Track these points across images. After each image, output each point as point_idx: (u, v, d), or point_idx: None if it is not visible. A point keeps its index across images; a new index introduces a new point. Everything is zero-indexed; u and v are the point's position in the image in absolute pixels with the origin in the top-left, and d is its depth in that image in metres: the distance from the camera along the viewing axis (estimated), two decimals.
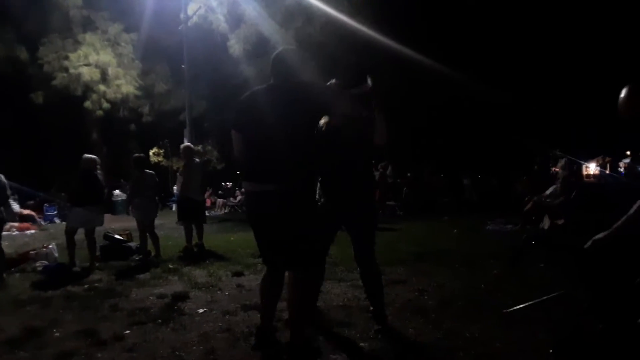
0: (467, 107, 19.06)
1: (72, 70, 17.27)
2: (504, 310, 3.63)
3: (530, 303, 3.63)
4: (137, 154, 7.59)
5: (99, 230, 6.74)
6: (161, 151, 23.54)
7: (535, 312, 3.53)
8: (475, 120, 19.73)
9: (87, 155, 6.69)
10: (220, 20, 16.77)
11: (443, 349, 3.04)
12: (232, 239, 9.08)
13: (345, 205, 3.34)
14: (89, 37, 17.63)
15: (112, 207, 18.45)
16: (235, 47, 16.74)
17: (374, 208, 3.60)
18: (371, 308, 3.55)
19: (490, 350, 2.98)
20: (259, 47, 16.42)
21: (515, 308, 3.62)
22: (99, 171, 6.68)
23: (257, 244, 3.10)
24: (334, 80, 3.39)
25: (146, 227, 6.95)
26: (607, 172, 15.80)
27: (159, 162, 22.98)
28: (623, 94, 2.70)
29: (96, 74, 17.56)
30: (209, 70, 17.95)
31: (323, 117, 3.32)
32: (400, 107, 16.20)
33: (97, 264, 6.38)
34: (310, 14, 15.72)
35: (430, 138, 19.49)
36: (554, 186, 9.00)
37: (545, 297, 3.65)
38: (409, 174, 16.16)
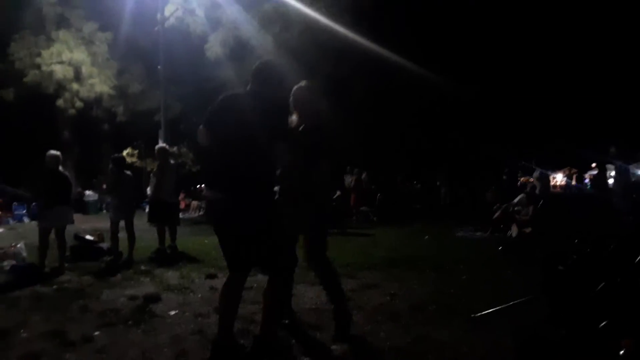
0: (442, 116, 19.38)
1: (44, 68, 16.89)
2: (472, 315, 3.73)
3: (497, 308, 3.73)
4: (116, 155, 7.52)
5: (69, 230, 6.63)
6: (135, 152, 23.21)
7: (502, 316, 3.62)
8: (448, 128, 20.07)
9: (51, 152, 6.39)
10: (197, 23, 16.68)
11: (412, 352, 3.10)
12: (205, 241, 9.00)
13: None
14: (62, 34, 17.27)
15: (84, 207, 18.11)
16: (213, 50, 16.67)
17: (322, 213, 3.53)
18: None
19: (458, 354, 3.06)
20: (236, 51, 16.39)
21: (482, 313, 3.71)
22: (61, 168, 6.45)
23: (222, 250, 3.08)
24: (303, 83, 3.51)
25: (126, 227, 6.88)
26: (573, 183, 16.30)
27: (133, 162, 22.63)
28: None
29: (69, 72, 17.22)
30: (185, 72, 17.78)
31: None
32: (375, 113, 16.38)
33: (66, 265, 6.27)
34: (288, 20, 15.78)
35: (404, 144, 19.72)
36: (522, 195, 9.27)
37: (511, 303, 3.76)
38: (382, 180, 16.32)
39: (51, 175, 6.26)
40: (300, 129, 3.40)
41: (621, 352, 2.51)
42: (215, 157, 3.00)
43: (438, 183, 17.53)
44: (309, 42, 15.46)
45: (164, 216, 7.37)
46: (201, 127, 3.04)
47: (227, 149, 2.92)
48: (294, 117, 3.47)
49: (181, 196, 17.53)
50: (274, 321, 3.15)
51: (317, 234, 3.43)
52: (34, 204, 14.66)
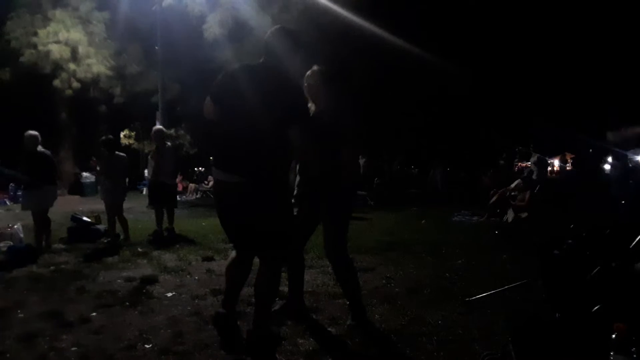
0: (441, 100, 19.29)
1: (40, 47, 16.71)
2: (467, 298, 3.76)
3: (492, 292, 3.76)
4: (105, 136, 7.47)
5: (67, 212, 6.63)
6: (132, 134, 23.14)
7: (497, 300, 3.65)
8: (447, 113, 20.00)
9: (28, 132, 6.24)
10: (195, 3, 16.46)
11: (407, 334, 3.12)
12: (203, 224, 9.04)
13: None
14: (59, 13, 17.05)
15: (81, 189, 18.11)
16: (211, 30, 16.48)
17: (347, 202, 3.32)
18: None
19: (452, 336, 3.08)
20: (235, 32, 16.20)
21: (477, 296, 3.74)
22: (40, 147, 6.28)
23: (225, 231, 3.02)
24: (315, 67, 3.32)
25: (114, 210, 6.87)
26: (568, 168, 16.40)
27: (130, 144, 22.57)
28: None
29: (66, 52, 17.04)
30: (183, 53, 17.60)
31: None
32: (373, 97, 16.28)
33: (57, 246, 6.26)
34: (287, 0, 15.60)
35: (402, 129, 19.68)
36: (518, 180, 9.30)
37: (506, 287, 3.78)
38: (380, 165, 16.31)
39: (29, 156, 6.16)
40: (317, 114, 3.21)
41: (613, 336, 2.53)
42: (226, 135, 2.76)
43: (432, 169, 17.55)
44: (308, 24, 15.28)
45: (163, 198, 7.37)
46: (207, 99, 2.84)
47: (237, 125, 2.68)
48: (310, 105, 3.23)
49: (179, 179, 17.53)
50: (269, 313, 2.99)
51: (340, 225, 3.25)
52: (11, 185, 14.60)
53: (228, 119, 2.75)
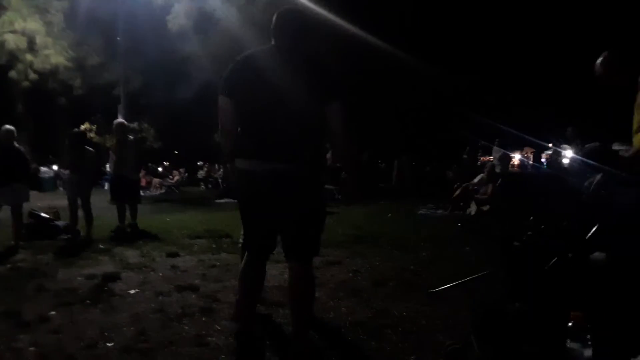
0: (407, 94, 19.52)
1: None
2: (430, 290, 3.83)
3: (455, 283, 3.84)
4: (77, 129, 7.31)
5: (24, 208, 6.41)
6: (93, 127, 22.50)
7: (459, 291, 3.73)
8: (413, 108, 20.27)
9: (5, 126, 6.14)
10: None
11: (373, 326, 3.16)
12: (167, 219, 8.90)
13: None
14: (15, 2, 16.43)
15: (39, 184, 17.51)
16: (176, 21, 16.20)
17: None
18: None
19: (416, 327, 3.14)
20: (200, 22, 15.98)
21: (441, 288, 3.82)
22: (16, 143, 6.23)
23: (250, 229, 2.69)
24: None
25: (82, 205, 6.70)
26: (530, 162, 16.87)
27: (91, 138, 21.95)
28: (599, 60, 2.88)
29: (22, 42, 16.46)
30: (146, 44, 17.22)
31: None
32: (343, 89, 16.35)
33: (21, 243, 6.07)
34: None
35: (370, 123, 19.84)
36: (481, 174, 9.52)
37: (469, 278, 3.87)
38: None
39: (4, 151, 6.00)
40: None
41: (570, 324, 2.62)
42: (259, 124, 2.51)
43: (396, 162, 17.78)
44: (274, 16, 15.19)
45: (125, 193, 7.21)
46: (221, 98, 2.54)
47: (271, 111, 2.44)
48: None
49: (142, 173, 17.17)
50: (310, 317, 2.77)
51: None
52: None
53: (253, 108, 2.50)
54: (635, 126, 2.92)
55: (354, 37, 15.84)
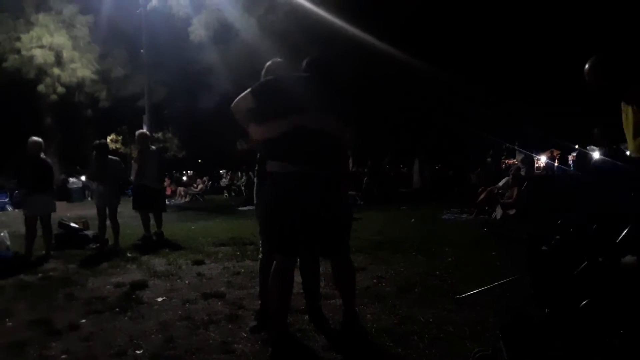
0: (428, 99, 19.41)
1: (24, 52, 16.56)
2: (457, 296, 3.78)
3: (481, 289, 3.78)
4: (99, 141, 7.45)
5: (54, 218, 6.57)
6: (119, 138, 22.97)
7: (486, 297, 3.67)
8: (434, 111, 20.13)
9: (32, 138, 6.32)
10: (180, 5, 16.41)
11: (398, 333, 3.13)
12: (192, 227, 9.00)
13: None
14: (42, 18, 16.90)
15: (68, 195, 17.93)
16: (196, 33, 16.44)
17: None
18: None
19: (443, 334, 3.09)
20: (220, 33, 16.19)
21: (467, 294, 3.76)
22: (42, 155, 6.39)
23: (286, 231, 2.81)
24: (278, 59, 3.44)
25: (109, 214, 6.83)
26: (556, 164, 16.53)
27: (117, 149, 22.40)
28: (588, 65, 2.85)
29: (50, 57, 16.89)
30: (169, 56, 17.54)
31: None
32: (361, 97, 16.35)
33: (51, 253, 6.22)
34: (272, 2, 15.60)
35: (391, 128, 19.77)
36: (506, 178, 9.39)
37: (496, 283, 3.81)
38: (369, 164, 16.37)
39: (33, 162, 6.19)
40: None
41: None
42: (290, 134, 2.77)
43: (415, 167, 17.66)
44: (293, 26, 15.30)
45: (148, 202, 7.32)
46: (247, 93, 2.83)
47: (300, 129, 2.75)
48: None
49: (167, 182, 17.43)
50: (355, 301, 3.15)
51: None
52: (16, 192, 14.45)
53: (290, 120, 2.76)
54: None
55: (369, 45, 15.86)
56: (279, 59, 3.46)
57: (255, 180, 3.47)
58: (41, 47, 16.75)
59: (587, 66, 2.88)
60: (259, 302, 3.41)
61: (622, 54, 2.88)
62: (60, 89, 17.60)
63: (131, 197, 7.73)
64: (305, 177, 2.75)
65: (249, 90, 2.86)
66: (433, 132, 20.84)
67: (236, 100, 2.89)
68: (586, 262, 3.01)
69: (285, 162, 2.78)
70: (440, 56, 18.25)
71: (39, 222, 6.26)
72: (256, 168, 3.38)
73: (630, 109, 2.86)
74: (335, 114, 2.84)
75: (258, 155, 3.28)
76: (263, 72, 3.37)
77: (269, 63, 3.41)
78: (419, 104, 19.08)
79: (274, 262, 2.88)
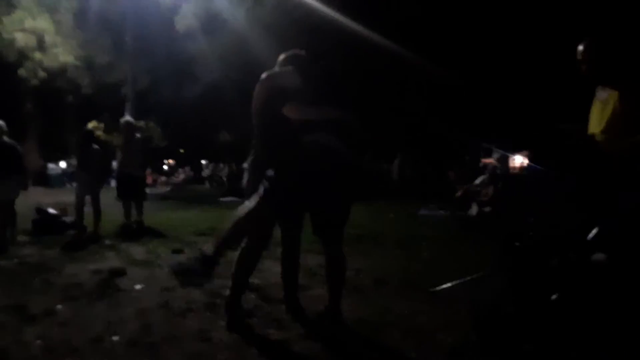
0: (411, 95, 19.52)
1: (5, 35, 16.20)
2: (432, 289, 3.86)
3: (455, 282, 3.87)
4: (86, 128, 7.41)
5: (30, 204, 6.49)
6: (101, 125, 22.66)
7: (460, 291, 3.75)
8: (414, 107, 20.22)
9: None
10: None
11: (374, 323, 3.21)
12: (172, 217, 8.97)
13: None
14: (24, 0, 16.54)
15: (46, 180, 17.68)
16: (184, 22, 16.28)
17: None
18: None
19: (417, 326, 3.16)
20: (208, 23, 16.06)
21: (441, 287, 3.85)
22: (5, 137, 6.15)
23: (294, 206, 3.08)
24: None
25: (92, 201, 6.77)
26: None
27: (99, 136, 22.11)
28: (581, 47, 2.81)
29: (32, 41, 16.55)
30: (155, 44, 17.32)
31: None
32: (347, 91, 16.38)
33: (26, 238, 6.14)
34: None
35: (370, 123, 19.77)
36: (483, 176, 9.55)
37: (469, 278, 3.89)
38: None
39: None
40: None
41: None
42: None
43: (397, 162, 17.80)
44: (282, 17, 15.25)
45: (131, 191, 7.29)
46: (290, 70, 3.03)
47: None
48: None
49: (148, 171, 17.28)
50: (341, 294, 3.26)
51: None
52: None
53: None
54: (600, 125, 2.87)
55: (356, 35, 15.86)
56: (300, 51, 3.36)
57: (247, 170, 3.55)
58: (23, 30, 16.42)
59: (581, 48, 2.82)
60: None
61: (619, 38, 2.86)
62: (41, 74, 17.27)
63: (110, 185, 7.68)
64: (341, 152, 3.00)
65: (291, 70, 2.99)
66: (413, 128, 20.97)
67: (274, 76, 3.00)
68: (557, 259, 3.10)
69: (324, 134, 2.98)
70: (430, 49, 18.31)
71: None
72: (252, 158, 3.51)
73: (616, 97, 2.75)
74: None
75: (254, 145, 3.41)
76: (281, 60, 3.28)
77: (289, 53, 3.31)
78: (401, 99, 19.18)
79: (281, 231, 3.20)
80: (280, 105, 2.93)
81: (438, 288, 3.85)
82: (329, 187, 2.97)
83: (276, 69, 3.20)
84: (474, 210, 8.80)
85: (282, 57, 3.29)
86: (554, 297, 2.88)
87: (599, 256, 2.94)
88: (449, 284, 3.86)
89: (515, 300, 3.10)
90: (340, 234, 3.18)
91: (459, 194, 9.58)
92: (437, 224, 8.23)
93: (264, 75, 3.01)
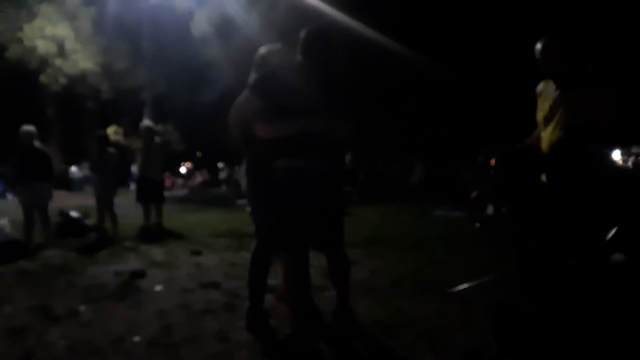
0: (423, 96, 19.46)
1: (26, 42, 16.54)
2: (447, 290, 3.86)
3: (472, 284, 3.86)
4: (100, 132, 7.55)
5: (53, 207, 6.63)
6: (120, 130, 22.98)
7: (477, 292, 3.76)
8: (429, 108, 20.14)
9: (24, 127, 6.30)
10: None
11: (390, 325, 3.20)
12: (191, 219, 9.08)
13: None
14: (44, 8, 16.84)
15: (68, 184, 17.98)
16: (198, 27, 16.46)
17: None
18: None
19: (432, 327, 3.16)
20: (222, 28, 16.21)
21: (458, 288, 3.84)
22: (36, 143, 6.37)
23: (303, 224, 2.82)
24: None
25: (105, 205, 6.90)
26: None
27: (118, 141, 22.42)
28: (539, 46, 2.87)
29: (52, 48, 16.86)
30: (171, 49, 17.54)
31: None
32: (359, 94, 16.40)
33: (51, 241, 6.28)
34: None
35: (386, 125, 19.74)
36: None
37: (486, 279, 3.89)
38: (364, 160, 16.43)
39: (25, 151, 6.19)
40: None
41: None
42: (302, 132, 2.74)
43: (416, 164, 17.73)
44: (295, 22, 15.31)
45: (150, 194, 7.40)
46: (252, 96, 2.79)
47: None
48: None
49: (166, 175, 17.49)
50: (349, 294, 3.24)
51: None
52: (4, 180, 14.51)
53: (294, 115, 2.71)
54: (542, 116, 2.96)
55: (366, 40, 15.88)
56: (275, 45, 3.27)
57: (244, 178, 3.31)
58: (43, 37, 16.74)
59: (539, 46, 2.87)
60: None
61: (573, 36, 2.90)
62: (62, 80, 17.56)
63: (131, 189, 7.81)
64: (316, 172, 2.75)
65: (249, 90, 2.82)
66: (428, 130, 20.88)
67: (237, 106, 2.90)
68: (576, 259, 3.09)
69: (297, 158, 2.75)
70: (444, 52, 18.22)
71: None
72: (246, 166, 3.24)
73: (564, 95, 2.85)
74: (337, 112, 2.78)
75: (248, 153, 3.18)
76: (258, 60, 3.19)
77: (263, 50, 3.20)
78: (417, 103, 19.13)
79: (289, 258, 2.87)
80: (250, 133, 2.85)
81: (454, 289, 3.85)
82: (317, 212, 2.81)
83: (252, 73, 3.14)
84: (490, 210, 8.72)
85: (259, 55, 3.19)
86: (572, 297, 2.87)
87: (617, 256, 2.93)
88: (465, 285, 3.85)
89: (531, 302, 3.09)
90: (341, 237, 3.03)
91: (474, 194, 9.51)
92: (452, 225, 8.18)
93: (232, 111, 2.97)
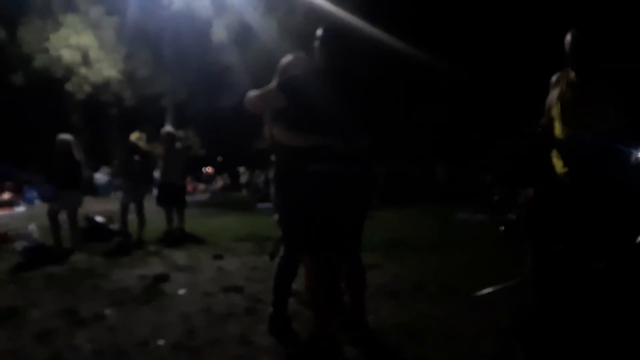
0: (442, 97, 19.31)
1: (52, 52, 16.98)
2: (471, 294, 3.81)
3: (495, 288, 3.80)
4: (130, 141, 7.71)
5: (80, 212, 6.76)
6: (143, 135, 23.37)
7: (501, 296, 3.70)
8: (448, 109, 19.98)
9: (62, 136, 6.49)
10: (202, 7, 16.65)
11: (413, 329, 3.18)
12: (212, 223, 9.15)
13: None
14: (69, 18, 17.30)
15: (94, 190, 18.31)
16: (217, 34, 16.67)
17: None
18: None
19: (456, 331, 3.13)
20: (241, 35, 16.39)
21: (481, 292, 3.79)
22: (75, 153, 6.54)
23: (336, 229, 2.74)
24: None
25: (136, 209, 7.04)
26: None
27: (140, 147, 22.80)
28: (569, 37, 2.80)
29: (77, 56, 17.30)
30: (191, 56, 17.80)
31: None
32: (381, 98, 16.35)
33: (78, 246, 6.40)
34: (292, 4, 15.74)
35: (406, 126, 19.63)
36: None
37: (510, 282, 3.83)
38: (385, 164, 16.36)
39: (64, 159, 6.36)
40: None
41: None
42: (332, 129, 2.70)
43: (437, 167, 17.59)
44: (313, 27, 15.37)
45: (172, 198, 7.49)
46: (279, 94, 2.75)
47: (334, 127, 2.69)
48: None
49: (188, 179, 17.66)
50: (365, 300, 3.14)
51: None
52: (45, 187, 14.90)
53: (323, 119, 2.69)
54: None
55: (390, 46, 15.86)
56: (300, 54, 3.23)
57: (272, 181, 3.26)
58: (68, 46, 17.15)
59: (568, 38, 2.81)
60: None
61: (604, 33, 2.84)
62: (86, 88, 18.00)
63: (153, 194, 7.91)
64: (351, 175, 2.72)
65: (274, 86, 2.80)
66: (447, 132, 20.70)
67: (260, 94, 2.83)
68: (603, 263, 3.02)
69: (331, 162, 2.68)
70: (463, 56, 18.08)
71: (64, 216, 6.44)
72: (274, 171, 3.19)
73: (583, 87, 2.81)
74: (359, 122, 2.76)
75: (274, 157, 3.18)
76: (281, 68, 3.15)
77: (289, 58, 3.17)
78: (438, 106, 18.99)
79: (319, 263, 2.77)
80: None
81: (478, 293, 3.80)
82: (350, 215, 2.81)
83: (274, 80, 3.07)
84: (513, 213, 8.60)
85: (282, 63, 3.16)
86: (601, 300, 2.81)
87: None
88: (489, 289, 3.80)
89: (556, 305, 3.03)
90: (359, 243, 3.00)
91: (496, 197, 9.39)
92: (475, 228, 8.10)
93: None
